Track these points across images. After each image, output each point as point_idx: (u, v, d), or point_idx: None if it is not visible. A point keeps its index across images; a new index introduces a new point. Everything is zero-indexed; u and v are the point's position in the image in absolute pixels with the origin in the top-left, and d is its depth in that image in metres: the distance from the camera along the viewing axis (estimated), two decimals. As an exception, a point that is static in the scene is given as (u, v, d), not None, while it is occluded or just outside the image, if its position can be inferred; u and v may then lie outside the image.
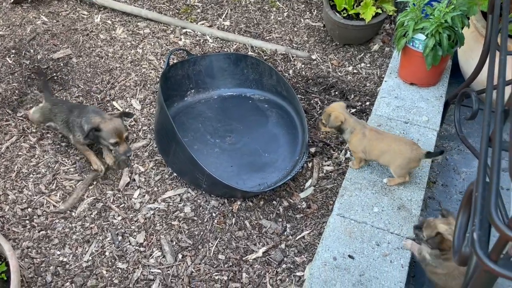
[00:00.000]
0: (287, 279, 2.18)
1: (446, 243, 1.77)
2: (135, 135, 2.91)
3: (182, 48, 3.27)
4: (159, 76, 3.26)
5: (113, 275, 2.21)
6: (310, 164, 2.75)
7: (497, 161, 0.91)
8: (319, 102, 3.16)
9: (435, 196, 2.58)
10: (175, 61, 3.26)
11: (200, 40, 3.63)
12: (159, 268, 2.24)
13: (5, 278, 1.96)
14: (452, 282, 1.81)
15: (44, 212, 2.47)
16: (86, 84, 3.24)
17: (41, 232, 2.38)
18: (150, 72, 3.35)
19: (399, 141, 2.23)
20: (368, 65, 3.49)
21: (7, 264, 1.97)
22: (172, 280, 2.19)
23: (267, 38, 3.70)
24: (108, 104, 3.10)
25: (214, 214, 2.49)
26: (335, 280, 1.93)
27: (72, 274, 2.21)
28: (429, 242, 1.81)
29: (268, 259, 2.28)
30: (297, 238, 2.36)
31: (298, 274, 2.19)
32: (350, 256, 2.01)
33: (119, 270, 2.23)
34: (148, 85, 3.24)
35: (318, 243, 2.12)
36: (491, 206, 0.82)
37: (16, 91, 3.14)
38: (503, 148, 1.02)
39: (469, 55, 2.85)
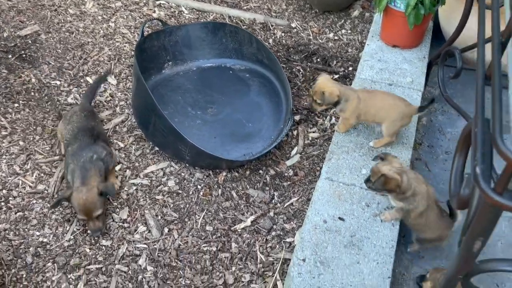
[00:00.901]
0: (277, 246, 2.13)
1: (391, 183, 1.79)
2: (112, 110, 2.79)
3: (157, 18, 3.14)
4: (134, 49, 3.13)
5: (97, 253, 2.12)
6: (295, 132, 2.69)
7: (498, 89, 0.86)
8: (301, 70, 3.09)
9: (422, 157, 2.56)
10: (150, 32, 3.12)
11: (175, 11, 3.50)
12: (145, 243, 2.16)
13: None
14: (431, 214, 1.82)
15: (20, 193, 2.36)
16: (57, 60, 3.08)
17: (18, 214, 2.27)
18: (124, 46, 3.21)
19: (392, 96, 2.20)
20: (349, 31, 3.42)
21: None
22: (159, 254, 2.12)
23: (245, 7, 3.59)
24: (82, 80, 2.96)
25: (199, 187, 2.41)
26: (326, 243, 1.89)
27: (53, 254, 2.12)
28: (376, 186, 1.84)
29: (257, 227, 2.23)
30: (285, 205, 2.31)
31: (288, 240, 2.15)
32: (340, 218, 1.98)
33: (103, 247, 2.15)
34: (123, 59, 3.11)
35: (307, 209, 2.08)
36: (496, 133, 0.77)
37: (-17, 71, 2.97)
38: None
39: (450, 15, 2.81)
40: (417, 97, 2.54)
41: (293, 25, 3.45)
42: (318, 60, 3.15)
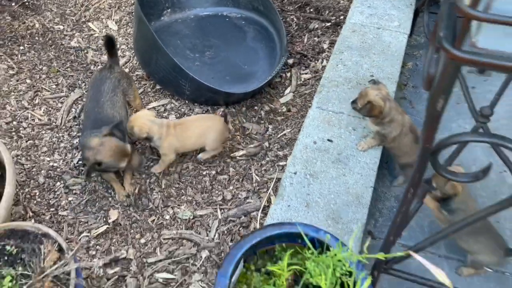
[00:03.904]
0: (271, 169, 2.32)
1: (376, 110, 1.97)
2: (114, 53, 2.92)
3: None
4: (134, -2, 3.24)
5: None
6: (288, 74, 2.85)
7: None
8: (295, 19, 3.23)
9: (406, 96, 2.74)
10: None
11: (173, -36, 3.59)
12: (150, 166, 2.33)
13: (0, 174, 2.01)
14: (404, 139, 2.01)
15: (30, 125, 2.51)
16: (59, 8, 3.19)
17: (29, 142, 2.42)
18: (125, -5, 3.32)
19: (205, 119, 2.27)
20: (341, -15, 3.55)
21: (0, 162, 2.02)
22: (166, 178, 2.29)
23: (241, -38, 3.68)
24: (84, 26, 3.08)
25: (198, 120, 2.57)
26: (316, 159, 2.08)
27: (62, 174, 2.28)
28: (362, 111, 2.02)
29: (252, 155, 2.40)
30: (279, 136, 2.49)
31: (281, 164, 2.33)
32: (329, 140, 2.16)
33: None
34: (123, 7, 3.22)
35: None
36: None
37: (-13, 17, 3.07)
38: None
39: (437, -36, 2.95)
40: (403, 39, 2.70)
41: (287, -22, 3.56)
42: (311, 10, 3.29)
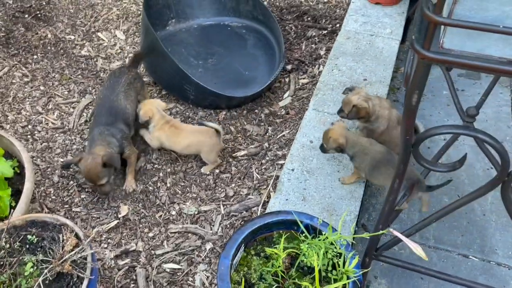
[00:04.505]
0: (271, 167, 2.46)
1: (362, 111, 2.12)
2: (122, 61, 3.09)
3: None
4: (141, 9, 3.43)
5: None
6: (287, 79, 3.01)
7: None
8: (293, 28, 3.40)
9: (399, 99, 2.89)
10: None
11: (177, -23, 3.78)
12: (158, 166, 2.48)
13: (18, 171, 2.17)
14: (392, 132, 2.14)
15: (44, 128, 2.67)
16: (70, 19, 3.37)
17: (43, 144, 2.58)
18: (131, 6, 3.50)
19: (196, 132, 2.42)
20: (338, -5, 3.72)
21: (18, 161, 2.18)
22: (171, 177, 2.44)
23: (241, -26, 3.87)
24: (94, 36, 3.26)
25: (202, 123, 2.73)
26: (312, 157, 2.22)
27: (76, 173, 2.44)
28: (351, 116, 2.16)
29: (253, 155, 2.55)
30: (278, 137, 2.64)
31: (280, 162, 2.47)
32: (325, 139, 2.30)
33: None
34: (130, 18, 3.40)
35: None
36: (423, 2, 1.09)
37: (3, 29, 3.26)
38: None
39: (427, -25, 3.12)
40: (394, 45, 2.86)
41: (286, -11, 3.74)
42: (309, 19, 3.46)
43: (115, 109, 2.39)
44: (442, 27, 1.16)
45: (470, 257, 2.11)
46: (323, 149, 2.14)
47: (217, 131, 2.35)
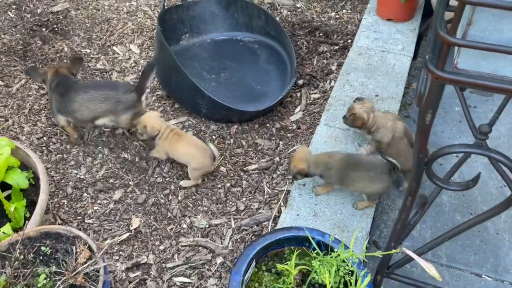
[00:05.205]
0: (282, 182, 2.47)
1: (358, 121, 2.20)
2: (136, 75, 3.14)
3: (176, -6, 3.50)
4: (155, 24, 3.49)
5: (133, 177, 2.47)
6: (298, 94, 3.03)
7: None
8: (305, 43, 3.43)
9: (410, 115, 2.89)
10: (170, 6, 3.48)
11: (191, -8, 3.85)
12: (169, 179, 2.50)
13: (33, 182, 2.20)
14: (399, 145, 2.16)
15: (59, 140, 2.71)
16: (86, 33, 3.45)
17: (58, 156, 2.62)
18: (146, 21, 3.57)
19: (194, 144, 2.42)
20: (349, 11, 3.76)
21: (34, 172, 2.22)
22: (183, 190, 2.46)
23: (254, -11, 3.94)
24: (109, 50, 3.32)
25: (214, 137, 2.75)
26: (324, 173, 2.22)
27: (89, 184, 2.47)
28: (347, 122, 2.28)
29: (264, 169, 2.56)
30: (289, 151, 2.65)
31: (291, 177, 2.48)
32: (336, 155, 2.31)
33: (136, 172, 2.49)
34: (145, 32, 3.47)
35: (308, 150, 2.41)
36: (437, 22, 1.10)
37: (20, 41, 3.34)
38: None
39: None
40: (406, 61, 2.87)
41: (298, 5, 3.79)
42: (320, 34, 3.49)
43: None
44: (456, 47, 1.17)
45: (483, 276, 2.08)
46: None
47: (214, 156, 2.38)
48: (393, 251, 1.44)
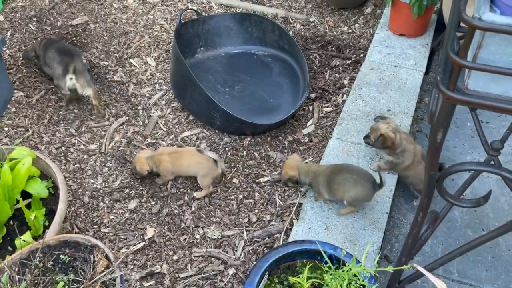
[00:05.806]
0: (294, 194, 2.50)
1: (388, 141, 2.16)
2: (152, 87, 3.22)
3: (192, 8, 3.59)
4: (171, 37, 3.58)
5: (147, 188, 2.53)
6: (311, 107, 3.07)
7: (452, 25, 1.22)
8: (318, 57, 3.48)
9: (422, 130, 2.91)
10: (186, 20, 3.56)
11: (206, 6, 3.94)
12: (183, 191, 2.55)
13: (52, 192, 2.27)
14: (418, 167, 2.17)
15: (76, 150, 2.78)
16: (104, 45, 3.54)
17: (76, 165, 2.69)
18: (162, 34, 3.65)
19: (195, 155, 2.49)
20: (362, 25, 3.80)
21: (53, 182, 2.28)
22: (196, 201, 2.50)
23: (268, 4, 4.01)
24: (126, 62, 3.41)
25: (227, 149, 2.80)
26: (336, 186, 2.25)
27: (106, 194, 2.53)
28: (376, 144, 2.21)
29: (276, 181, 2.59)
30: (301, 164, 2.68)
31: (302, 190, 2.51)
32: (348, 169, 2.34)
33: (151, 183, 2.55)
34: (161, 45, 3.55)
35: (320, 163, 2.44)
36: (448, 44, 1.14)
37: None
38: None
39: (450, 5, 3.18)
40: (418, 76, 2.89)
41: (311, 19, 3.85)
42: (333, 48, 3.54)
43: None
44: (466, 70, 1.20)
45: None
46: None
47: (214, 159, 2.42)
48: (404, 266, 1.46)
